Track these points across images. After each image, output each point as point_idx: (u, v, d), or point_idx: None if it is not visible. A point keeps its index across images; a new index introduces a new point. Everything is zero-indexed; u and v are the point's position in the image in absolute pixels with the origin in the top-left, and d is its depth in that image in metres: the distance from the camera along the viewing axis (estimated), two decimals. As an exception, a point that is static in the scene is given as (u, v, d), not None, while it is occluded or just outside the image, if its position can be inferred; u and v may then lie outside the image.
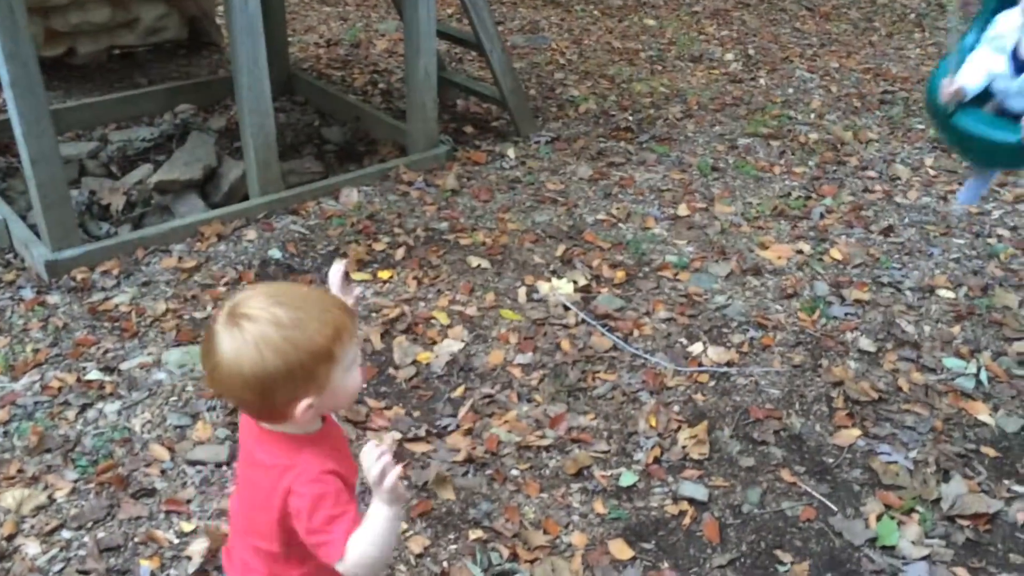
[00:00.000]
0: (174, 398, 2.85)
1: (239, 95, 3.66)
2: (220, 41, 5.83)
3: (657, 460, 2.68)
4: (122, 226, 3.77)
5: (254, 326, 1.30)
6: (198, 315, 3.23)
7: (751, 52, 6.10)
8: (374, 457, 1.32)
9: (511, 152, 4.55)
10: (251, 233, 3.72)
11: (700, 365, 3.08)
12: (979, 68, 2.33)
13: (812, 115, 5.07)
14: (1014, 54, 2.28)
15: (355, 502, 1.42)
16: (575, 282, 3.48)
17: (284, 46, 5.12)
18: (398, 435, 2.72)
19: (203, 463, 2.59)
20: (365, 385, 2.95)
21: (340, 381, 1.37)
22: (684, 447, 2.72)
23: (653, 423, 2.82)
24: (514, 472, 2.63)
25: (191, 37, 5.80)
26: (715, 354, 3.12)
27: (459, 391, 2.95)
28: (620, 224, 3.94)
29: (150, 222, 3.79)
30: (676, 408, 2.89)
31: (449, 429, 2.79)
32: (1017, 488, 2.57)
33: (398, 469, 1.33)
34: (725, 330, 3.25)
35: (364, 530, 1.35)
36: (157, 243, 3.58)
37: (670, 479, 2.61)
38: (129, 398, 2.84)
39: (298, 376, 1.31)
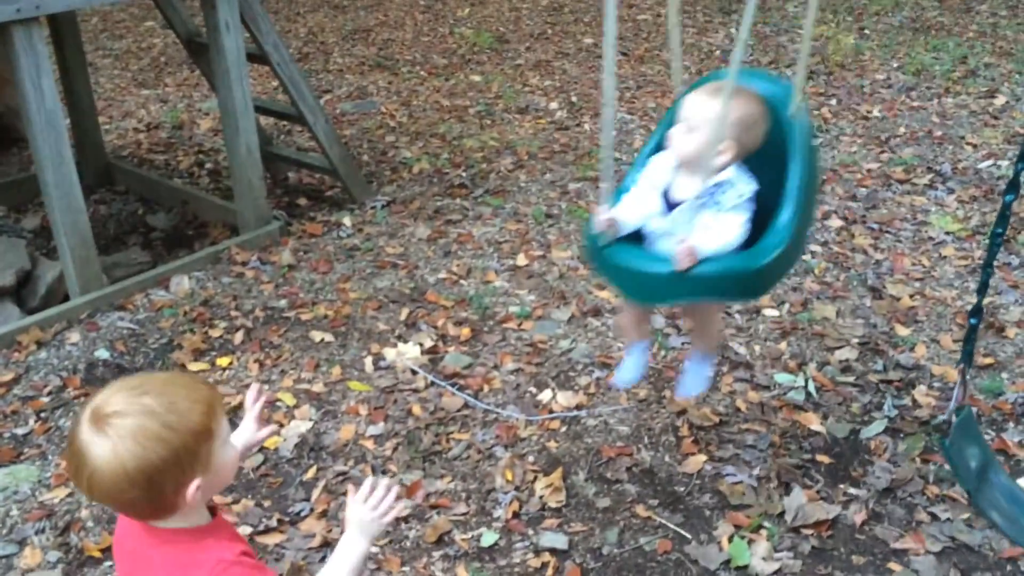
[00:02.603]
0: (-3, 526, 2.64)
1: (46, 193, 3.49)
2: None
3: (516, 514, 2.68)
4: (-72, 345, 3.49)
5: (126, 421, 1.26)
6: (20, 431, 3.02)
7: (574, 99, 6.33)
8: (382, 490, 1.51)
9: (347, 220, 4.52)
10: (74, 335, 3.52)
11: (551, 412, 3.12)
12: (635, 206, 2.24)
13: (635, 155, 5.29)
14: (666, 194, 2.22)
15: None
16: (421, 344, 3.47)
17: (98, 135, 4.92)
18: (248, 529, 2.61)
19: (33, 593, 2.40)
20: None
21: (221, 457, 1.36)
22: (541, 497, 2.74)
23: (509, 477, 2.82)
24: (373, 549, 2.57)
25: (-3, 134, 5.50)
26: (564, 399, 3.17)
27: (311, 473, 2.87)
28: (462, 281, 3.97)
29: (-40, 337, 3.53)
30: (531, 458, 2.91)
31: (303, 515, 2.71)
32: (852, 491, 2.72)
33: (401, 506, 1.50)
34: (572, 374, 3.32)
35: (334, 565, 1.46)
36: (-32, 359, 3.34)
37: (530, 532, 2.62)
38: (-54, 532, 2.61)
39: (184, 459, 1.29)
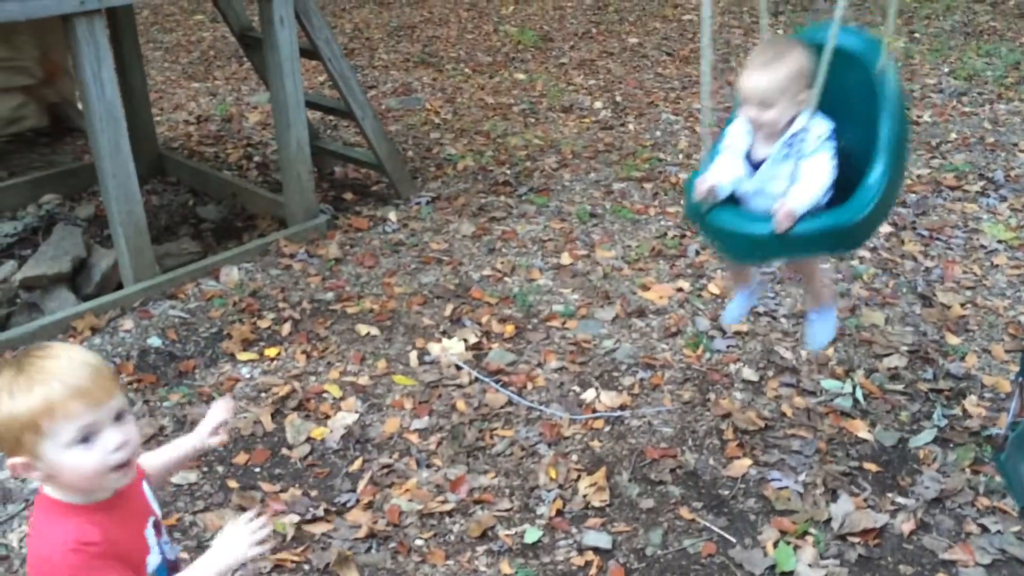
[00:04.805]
0: (53, 507, 2.70)
1: (103, 183, 3.56)
2: (84, 126, 5.66)
3: (560, 512, 2.69)
4: (-13, 328, 3.58)
5: None
6: (75, 415, 3.08)
7: (618, 99, 6.32)
8: (251, 524, 1.51)
9: (392, 215, 4.56)
10: (128, 323, 3.59)
11: (594, 411, 3.12)
12: (726, 171, 2.39)
13: (680, 155, 5.28)
14: (748, 156, 2.39)
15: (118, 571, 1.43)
16: (465, 340, 3.50)
17: (150, 127, 5.01)
18: (296, 518, 2.65)
19: (88, 573, 2.45)
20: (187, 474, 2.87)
21: (56, 457, 1.39)
22: (585, 496, 2.75)
23: (553, 475, 2.83)
24: (418, 542, 2.59)
25: (53, 124, 5.62)
26: (608, 399, 3.17)
27: (357, 464, 2.90)
28: (506, 278, 3.98)
29: (17, 322, 3.61)
30: (574, 457, 2.92)
31: (349, 505, 2.74)
32: (900, 500, 2.69)
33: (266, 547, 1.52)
34: (615, 374, 3.32)
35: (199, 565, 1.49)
36: (26, 343, 3.41)
37: (574, 530, 2.63)
38: (4, 511, 2.68)
39: (4, 435, 1.38)
